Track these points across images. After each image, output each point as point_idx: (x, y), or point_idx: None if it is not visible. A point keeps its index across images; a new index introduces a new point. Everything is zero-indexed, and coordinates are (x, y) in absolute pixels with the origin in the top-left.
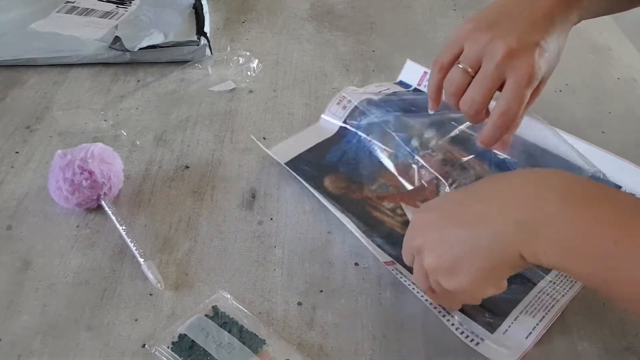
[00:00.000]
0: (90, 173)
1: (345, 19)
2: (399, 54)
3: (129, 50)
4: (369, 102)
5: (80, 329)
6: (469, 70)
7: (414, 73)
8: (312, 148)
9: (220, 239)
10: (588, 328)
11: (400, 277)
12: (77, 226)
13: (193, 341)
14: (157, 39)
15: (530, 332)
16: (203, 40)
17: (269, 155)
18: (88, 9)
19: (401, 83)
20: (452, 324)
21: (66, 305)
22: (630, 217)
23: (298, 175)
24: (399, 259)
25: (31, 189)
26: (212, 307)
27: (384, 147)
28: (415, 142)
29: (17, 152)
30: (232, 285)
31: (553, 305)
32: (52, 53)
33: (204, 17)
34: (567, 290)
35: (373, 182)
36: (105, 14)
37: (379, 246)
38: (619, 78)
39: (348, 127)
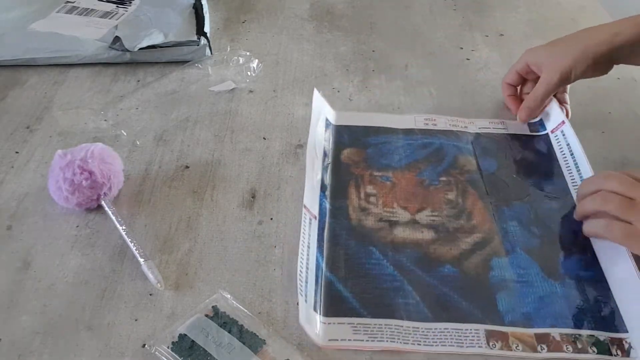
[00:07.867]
0: (90, 173)
1: (345, 19)
2: (399, 54)
3: (129, 50)
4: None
5: (80, 329)
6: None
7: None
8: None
9: (220, 239)
10: None
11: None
12: (77, 226)
13: (193, 341)
14: (157, 39)
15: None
16: (203, 40)
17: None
18: (88, 9)
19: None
20: None
21: (66, 305)
22: None
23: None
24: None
25: (31, 189)
26: (212, 307)
27: None
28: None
29: (17, 152)
30: (232, 285)
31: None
32: (52, 53)
33: (204, 17)
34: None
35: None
36: (105, 14)
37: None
38: (619, 78)
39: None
